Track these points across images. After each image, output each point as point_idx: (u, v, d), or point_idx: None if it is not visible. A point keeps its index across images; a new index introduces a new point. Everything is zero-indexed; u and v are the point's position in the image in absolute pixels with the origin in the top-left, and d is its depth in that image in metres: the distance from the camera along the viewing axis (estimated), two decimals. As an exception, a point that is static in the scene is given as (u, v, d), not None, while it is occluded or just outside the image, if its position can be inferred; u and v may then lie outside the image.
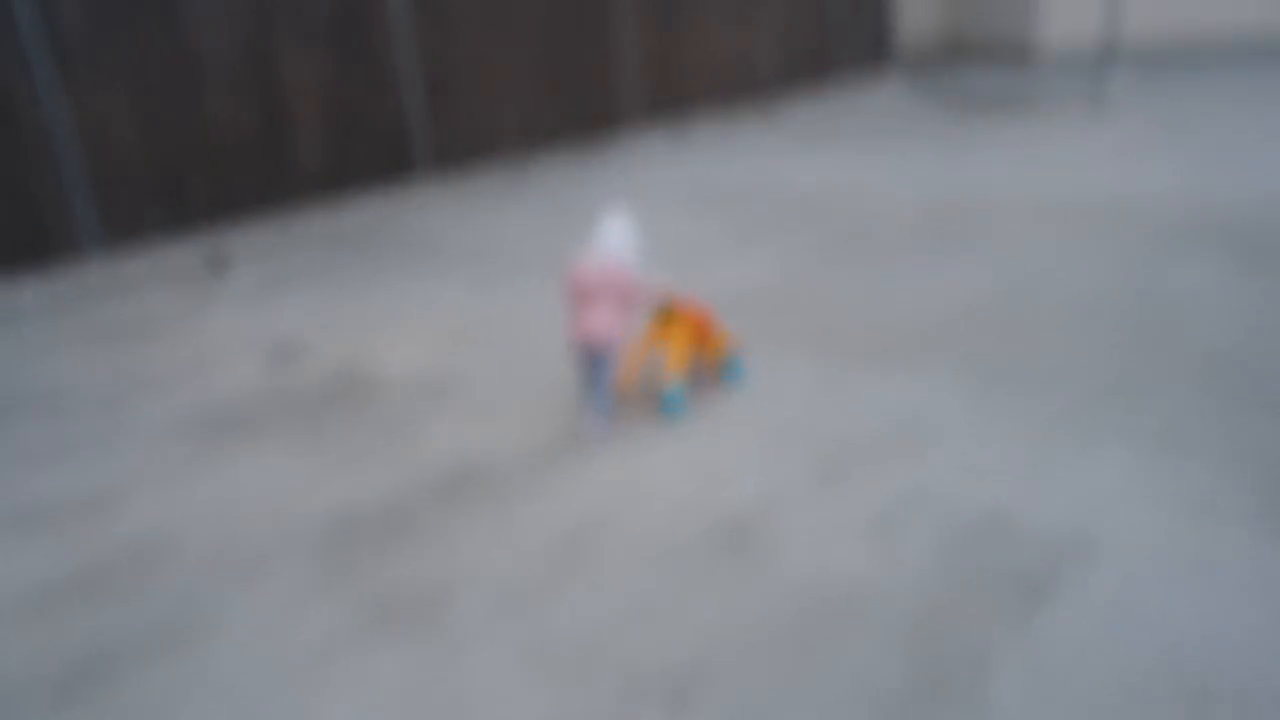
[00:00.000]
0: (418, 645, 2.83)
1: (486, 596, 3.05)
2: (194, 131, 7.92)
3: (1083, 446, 3.59)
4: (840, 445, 3.80)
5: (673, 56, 12.49)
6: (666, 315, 4.24)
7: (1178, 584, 2.80)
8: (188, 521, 3.67)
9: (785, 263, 6.46)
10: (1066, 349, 4.53)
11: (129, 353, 5.69)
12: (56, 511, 3.81)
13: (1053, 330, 4.78)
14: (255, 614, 3.05)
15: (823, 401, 4.23)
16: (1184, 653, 2.51)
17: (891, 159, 9.91)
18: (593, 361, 4.04)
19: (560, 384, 4.72)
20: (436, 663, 2.75)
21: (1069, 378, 4.21)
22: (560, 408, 4.46)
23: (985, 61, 19.46)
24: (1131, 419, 3.77)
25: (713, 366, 4.47)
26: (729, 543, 3.22)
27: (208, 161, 8.05)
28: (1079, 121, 11.04)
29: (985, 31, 20.19)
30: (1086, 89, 12.38)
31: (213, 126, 8.04)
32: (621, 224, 4.11)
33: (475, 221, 8.67)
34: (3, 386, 5.20)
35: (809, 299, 5.38)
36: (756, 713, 2.44)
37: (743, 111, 13.73)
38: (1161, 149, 8.95)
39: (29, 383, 5.23)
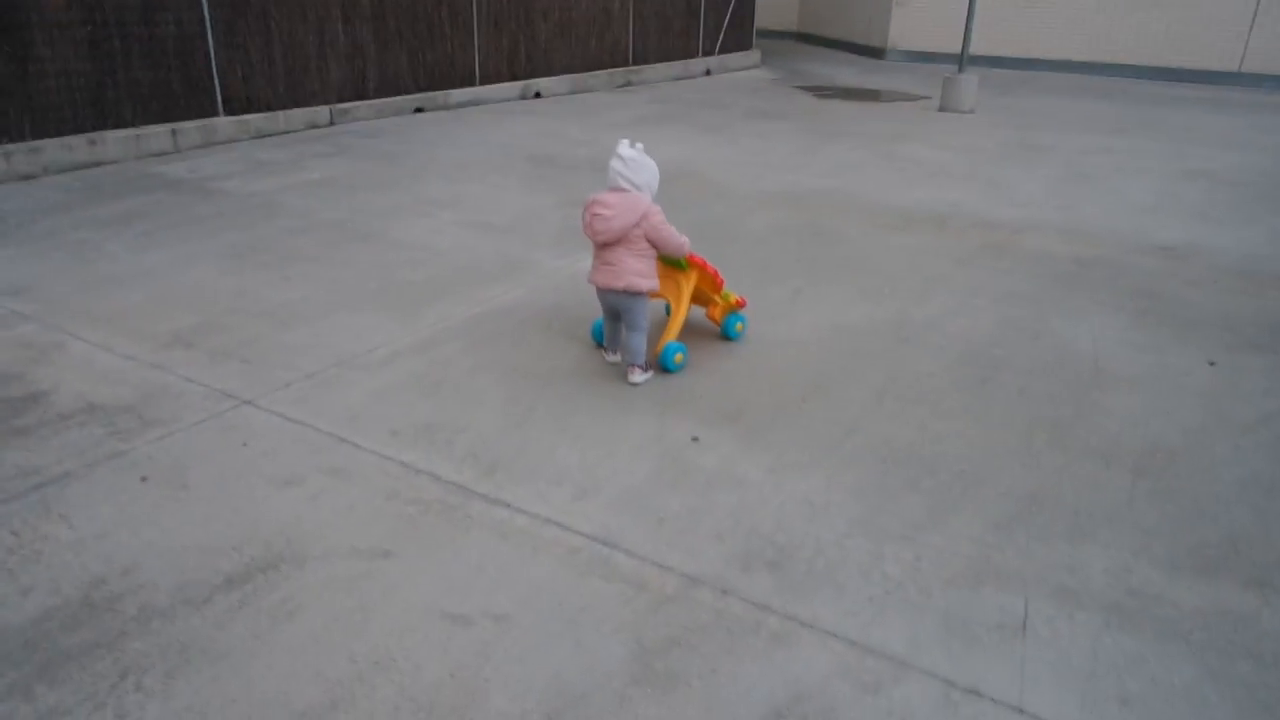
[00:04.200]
0: None
1: None
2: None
3: (1022, 620, 2.30)
4: (677, 594, 2.37)
5: (528, 9, 10.62)
6: (683, 263, 3.64)
7: None
8: None
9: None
10: (968, 430, 3.25)
11: None
12: None
13: (947, 399, 3.50)
14: None
15: (656, 498, 2.79)
16: None
17: (754, 143, 8.54)
18: (622, 310, 3.48)
19: (311, 430, 3.07)
20: None
21: (979, 479, 2.93)
22: (305, 469, 2.83)
23: (840, 56, 18.45)
24: (1078, 566, 2.51)
25: (719, 317, 3.94)
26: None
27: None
28: (934, 121, 10.03)
29: (839, 28, 19.17)
30: (937, 91, 11.43)
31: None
32: (639, 154, 3.38)
33: (269, 175, 6.70)
34: None
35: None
36: None
37: (600, 77, 12.04)
38: (1017, 163, 7.98)
39: None
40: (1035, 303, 4.53)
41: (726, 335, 3.96)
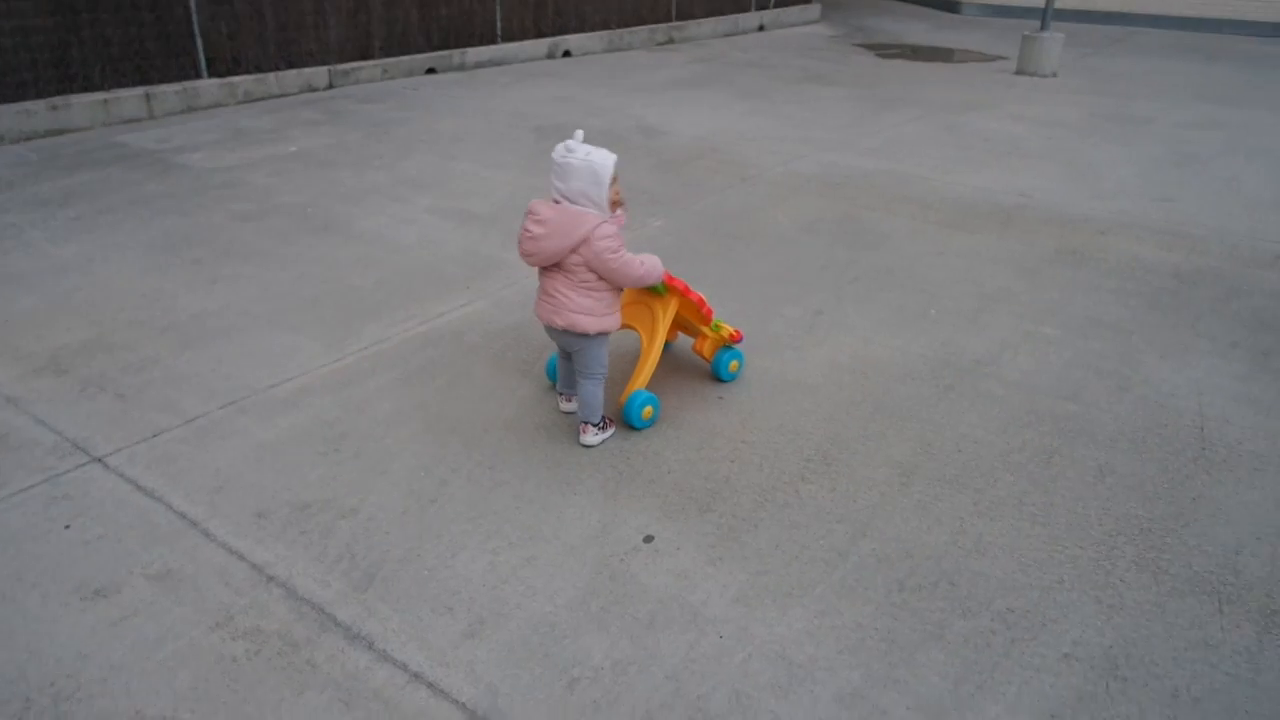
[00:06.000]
0: None
1: None
2: None
3: None
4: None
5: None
6: (660, 286, 2.82)
7: None
8: None
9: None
10: (1022, 536, 2.42)
11: None
12: None
13: (998, 482, 2.67)
14: None
15: (576, 640, 2.02)
16: None
17: (798, 112, 7.60)
18: (571, 351, 2.74)
19: (160, 508, 2.38)
20: None
21: (1033, 625, 2.11)
22: (128, 570, 2.14)
23: (910, 9, 17.07)
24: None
25: (708, 353, 3.12)
26: None
27: None
28: (1009, 86, 8.91)
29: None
30: (1015, 50, 10.23)
31: None
32: (594, 153, 2.50)
33: (242, 147, 6.03)
34: None
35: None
36: None
37: (639, 34, 11.11)
38: (1106, 138, 6.91)
39: None
40: (1124, 335, 3.62)
41: (717, 376, 3.17)
